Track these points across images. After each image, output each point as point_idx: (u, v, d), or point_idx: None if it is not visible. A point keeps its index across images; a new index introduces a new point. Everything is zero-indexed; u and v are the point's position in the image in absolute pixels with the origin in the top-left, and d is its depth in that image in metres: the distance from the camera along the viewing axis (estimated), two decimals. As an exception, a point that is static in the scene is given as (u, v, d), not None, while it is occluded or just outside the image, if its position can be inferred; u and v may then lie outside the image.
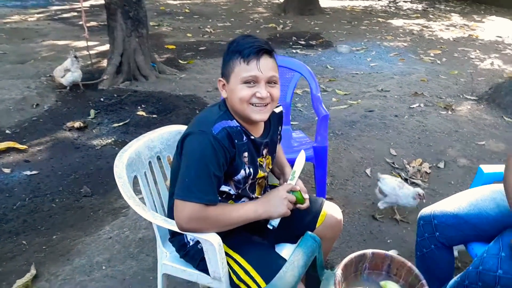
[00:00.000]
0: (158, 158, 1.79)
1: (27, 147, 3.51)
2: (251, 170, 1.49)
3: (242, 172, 1.45)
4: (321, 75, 5.56)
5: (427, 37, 7.98)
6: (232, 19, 9.46)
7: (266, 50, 1.39)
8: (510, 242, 1.43)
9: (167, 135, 1.84)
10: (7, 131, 3.78)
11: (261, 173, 1.55)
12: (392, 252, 2.13)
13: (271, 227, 1.47)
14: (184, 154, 1.39)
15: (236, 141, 1.40)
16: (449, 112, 4.38)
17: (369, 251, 1.43)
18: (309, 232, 1.52)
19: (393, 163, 3.35)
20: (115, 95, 4.64)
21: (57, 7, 10.69)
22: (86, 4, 10.75)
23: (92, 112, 4.20)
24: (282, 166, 1.73)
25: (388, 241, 2.49)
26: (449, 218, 1.66)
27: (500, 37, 8.03)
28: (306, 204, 1.52)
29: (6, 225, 2.57)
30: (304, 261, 1.41)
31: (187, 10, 10.50)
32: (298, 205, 1.51)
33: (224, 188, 1.47)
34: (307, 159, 2.47)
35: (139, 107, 4.35)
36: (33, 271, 2.17)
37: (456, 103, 4.62)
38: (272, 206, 1.44)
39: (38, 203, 2.79)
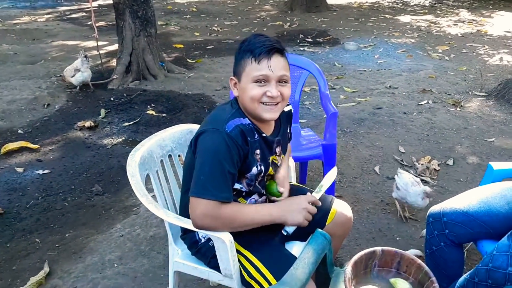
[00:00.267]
0: (169, 157, 1.82)
1: (39, 146, 3.56)
2: (262, 167, 1.50)
3: (254, 169, 1.47)
4: (328, 73, 5.55)
5: (435, 33, 7.93)
6: (239, 18, 9.47)
7: (277, 49, 1.40)
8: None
9: (179, 134, 1.86)
10: (20, 131, 3.83)
11: (271, 171, 1.57)
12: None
13: (285, 233, 1.48)
14: (198, 152, 1.41)
15: (249, 138, 1.42)
16: (458, 109, 4.36)
17: (379, 248, 1.43)
18: (319, 230, 1.53)
19: (402, 160, 3.35)
20: (125, 95, 4.68)
21: (65, 7, 10.77)
22: (94, 4, 10.82)
23: (103, 111, 4.24)
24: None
25: (397, 238, 2.50)
26: (458, 216, 1.66)
27: (509, 32, 7.95)
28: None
29: (19, 223, 2.61)
30: (315, 259, 1.42)
31: (194, 9, 10.53)
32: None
33: (236, 186, 1.49)
34: (316, 157, 2.49)
35: (148, 106, 4.39)
36: (46, 269, 2.21)
37: (464, 100, 4.60)
38: (289, 212, 1.44)
39: (51, 201, 2.83)
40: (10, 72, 5.34)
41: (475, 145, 3.63)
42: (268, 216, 1.44)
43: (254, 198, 1.57)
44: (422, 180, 3.07)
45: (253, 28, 8.32)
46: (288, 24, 8.66)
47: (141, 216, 2.68)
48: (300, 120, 3.35)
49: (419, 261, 1.39)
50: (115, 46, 5.93)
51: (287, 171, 1.71)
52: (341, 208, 1.72)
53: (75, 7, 10.79)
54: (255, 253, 1.48)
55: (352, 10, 10.50)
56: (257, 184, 1.55)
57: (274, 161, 1.57)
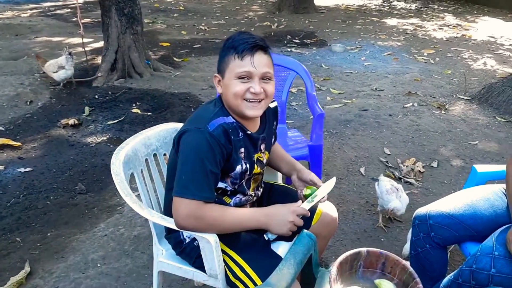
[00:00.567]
0: (154, 156, 1.80)
1: (21, 144, 3.49)
2: (248, 165, 1.49)
3: (239, 167, 1.46)
4: (315, 74, 5.57)
5: (420, 37, 8.02)
6: (227, 17, 9.45)
7: (260, 46, 1.40)
8: (506, 240, 1.45)
9: (164, 132, 1.84)
10: (1, 128, 3.75)
11: (257, 169, 1.56)
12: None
13: (266, 238, 1.46)
14: (180, 152, 1.40)
15: (232, 137, 1.41)
16: (443, 112, 4.41)
17: (364, 249, 1.44)
18: (305, 230, 1.52)
19: (387, 162, 3.38)
20: (110, 92, 4.62)
21: (50, 3, 10.61)
22: (80, 0, 10.68)
23: (87, 109, 4.18)
24: (291, 162, 1.72)
25: (382, 239, 2.51)
26: (444, 219, 1.68)
27: (493, 37, 8.09)
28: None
29: (0, 222, 2.56)
30: (300, 259, 1.42)
31: (181, 8, 10.48)
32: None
33: (220, 184, 1.47)
34: (303, 158, 2.49)
35: (133, 105, 4.34)
36: (27, 269, 2.17)
37: (449, 103, 4.66)
38: (275, 222, 1.41)
39: (33, 200, 2.78)
40: (-8, 68, 5.24)
41: (459, 147, 3.67)
42: (255, 222, 1.43)
43: (238, 197, 1.56)
44: (406, 181, 3.10)
45: (240, 28, 8.30)
46: (276, 24, 8.68)
47: (125, 216, 2.65)
48: (287, 121, 3.35)
49: (404, 262, 1.40)
50: (100, 43, 5.86)
51: (301, 165, 1.70)
52: (326, 208, 1.72)
53: (60, 3, 10.64)
54: (241, 253, 1.47)
55: (340, 12, 10.56)
56: (243, 183, 1.54)
57: (259, 158, 1.56)
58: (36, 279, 2.14)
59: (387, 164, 3.34)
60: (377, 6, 11.73)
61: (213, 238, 1.39)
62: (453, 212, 1.68)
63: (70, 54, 4.53)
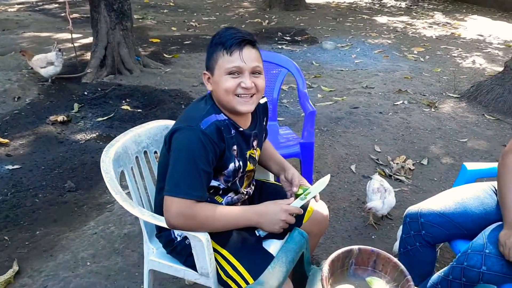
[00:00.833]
0: (145, 153, 1.78)
1: (8, 141, 3.44)
2: (241, 163, 1.49)
3: (232, 165, 1.45)
4: (306, 71, 5.57)
5: (410, 35, 8.05)
6: (217, 14, 9.40)
7: (248, 41, 1.39)
8: (498, 241, 1.46)
9: (155, 130, 1.83)
10: (-12, 125, 3.70)
11: (250, 166, 1.55)
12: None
13: (258, 234, 1.47)
14: (172, 150, 1.39)
15: (225, 135, 1.40)
16: (432, 110, 4.44)
17: (355, 247, 1.43)
18: (297, 228, 1.52)
19: (378, 159, 3.39)
20: (99, 89, 4.58)
21: (38, -2, 10.46)
22: (69, -5, 10.54)
23: (76, 105, 4.14)
24: (281, 162, 1.72)
25: (373, 236, 2.52)
26: (435, 217, 1.69)
27: (482, 35, 8.15)
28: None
29: (-13, 220, 2.52)
30: (292, 257, 1.42)
31: (171, 4, 10.40)
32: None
33: (213, 183, 1.47)
34: (294, 155, 2.49)
35: (123, 101, 4.31)
36: (15, 267, 2.14)
37: (439, 101, 4.69)
38: (267, 220, 1.41)
39: (21, 198, 2.75)
40: (-21, 63, 5.16)
41: (448, 145, 3.70)
42: (247, 220, 1.43)
43: (230, 196, 1.56)
44: (397, 179, 3.11)
45: (231, 25, 8.26)
46: (267, 21, 8.65)
47: (115, 214, 2.62)
48: (278, 118, 3.34)
49: (395, 260, 1.40)
50: (89, 39, 5.79)
51: (289, 165, 1.68)
52: (317, 206, 1.71)
53: (48, -2, 10.49)
54: (232, 252, 1.46)
55: (330, 9, 10.56)
56: (236, 181, 1.53)
57: (252, 155, 1.56)
58: (24, 278, 2.11)
59: (378, 162, 3.36)
60: (368, 4, 11.75)
61: (204, 237, 1.38)
62: (444, 210, 1.69)
63: (59, 50, 4.48)
